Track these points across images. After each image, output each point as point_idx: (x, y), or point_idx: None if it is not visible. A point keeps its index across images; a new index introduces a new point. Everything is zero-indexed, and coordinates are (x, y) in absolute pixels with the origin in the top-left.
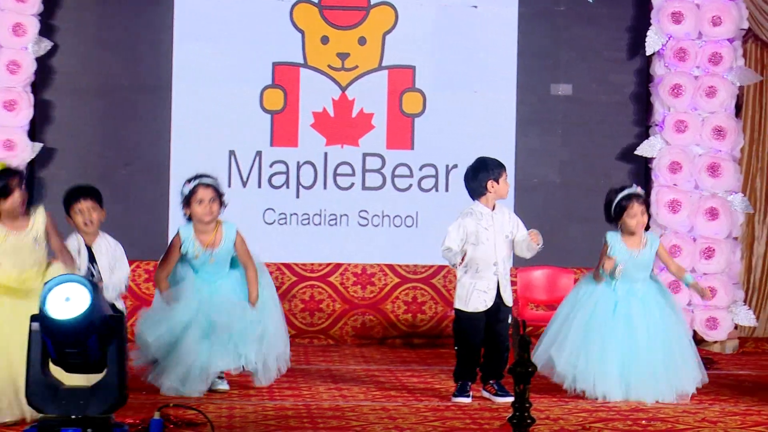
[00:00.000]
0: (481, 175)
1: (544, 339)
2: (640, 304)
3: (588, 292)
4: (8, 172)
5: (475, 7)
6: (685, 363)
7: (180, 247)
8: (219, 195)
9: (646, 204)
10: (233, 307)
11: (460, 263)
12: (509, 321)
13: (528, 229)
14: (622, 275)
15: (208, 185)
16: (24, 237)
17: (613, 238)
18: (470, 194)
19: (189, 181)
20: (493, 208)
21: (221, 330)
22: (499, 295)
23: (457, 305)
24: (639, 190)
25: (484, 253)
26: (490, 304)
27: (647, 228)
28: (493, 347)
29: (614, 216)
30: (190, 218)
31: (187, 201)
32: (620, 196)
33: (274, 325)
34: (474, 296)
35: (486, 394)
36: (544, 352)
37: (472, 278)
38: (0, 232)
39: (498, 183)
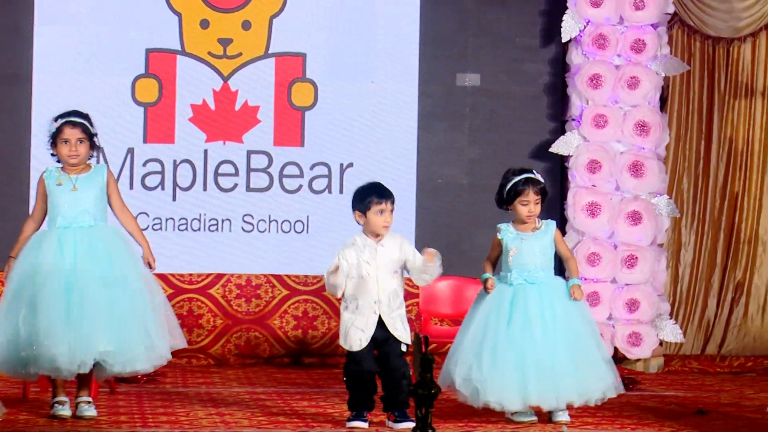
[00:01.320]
0: (353, 204)
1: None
2: (537, 293)
3: (482, 293)
4: None
5: None
6: (591, 363)
7: (45, 190)
8: (89, 136)
9: (542, 194)
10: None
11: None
12: (404, 350)
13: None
14: (516, 262)
15: (75, 124)
16: None
17: (504, 228)
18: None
19: (56, 119)
20: (379, 240)
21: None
22: (387, 331)
23: (340, 340)
24: (538, 176)
25: (364, 289)
26: (365, 343)
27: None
28: (388, 379)
29: (506, 199)
30: (59, 161)
31: (54, 141)
32: (516, 179)
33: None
34: (351, 333)
35: (388, 423)
36: (444, 370)
37: (351, 314)
38: None
39: (366, 216)
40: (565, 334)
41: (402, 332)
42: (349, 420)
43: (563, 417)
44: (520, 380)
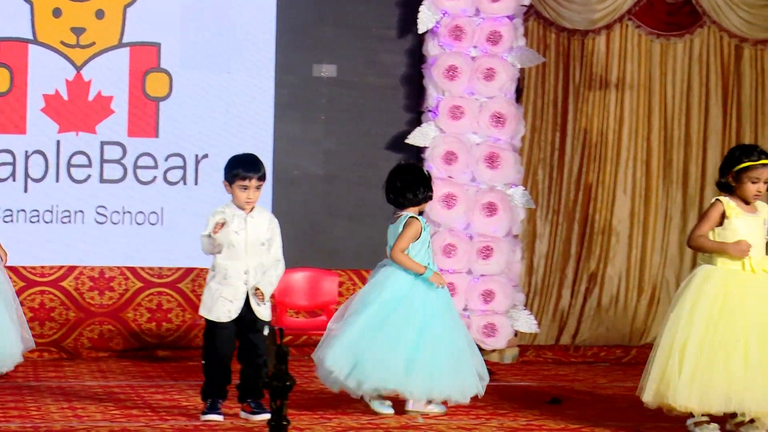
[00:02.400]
0: (224, 172)
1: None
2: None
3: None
4: None
5: None
6: (467, 360)
7: None
8: None
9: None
10: None
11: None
12: (266, 332)
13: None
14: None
15: None
16: None
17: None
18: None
19: None
20: (250, 211)
21: None
22: (252, 312)
23: (202, 312)
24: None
25: (233, 258)
26: (234, 315)
27: None
28: (249, 363)
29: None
30: None
31: None
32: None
33: None
34: (219, 304)
35: (243, 414)
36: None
37: (219, 284)
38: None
39: (231, 186)
40: (445, 332)
41: (265, 311)
42: (204, 413)
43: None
44: (402, 365)
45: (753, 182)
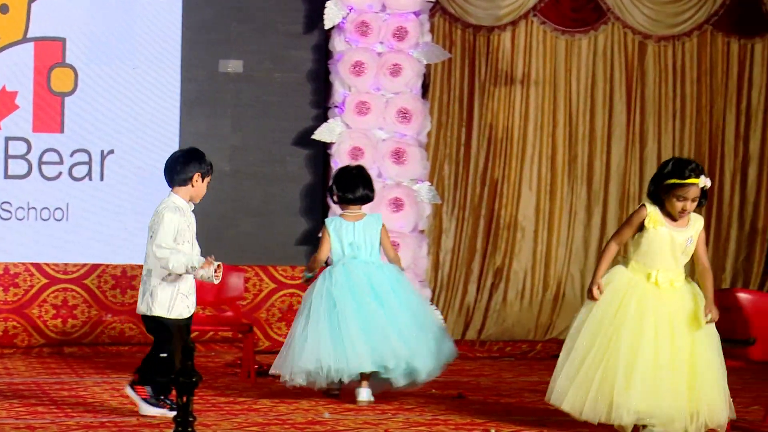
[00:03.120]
0: (192, 164)
1: None
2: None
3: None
4: None
5: None
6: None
7: None
8: None
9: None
10: None
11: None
12: None
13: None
14: (352, 254)
15: None
16: None
17: (332, 221)
18: (169, 181)
19: None
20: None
21: None
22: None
23: (159, 312)
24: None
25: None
26: (192, 309)
27: None
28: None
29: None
30: None
31: None
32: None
33: None
34: (179, 301)
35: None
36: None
37: (174, 282)
38: None
39: (202, 181)
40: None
41: None
42: (155, 405)
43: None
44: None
45: (678, 200)
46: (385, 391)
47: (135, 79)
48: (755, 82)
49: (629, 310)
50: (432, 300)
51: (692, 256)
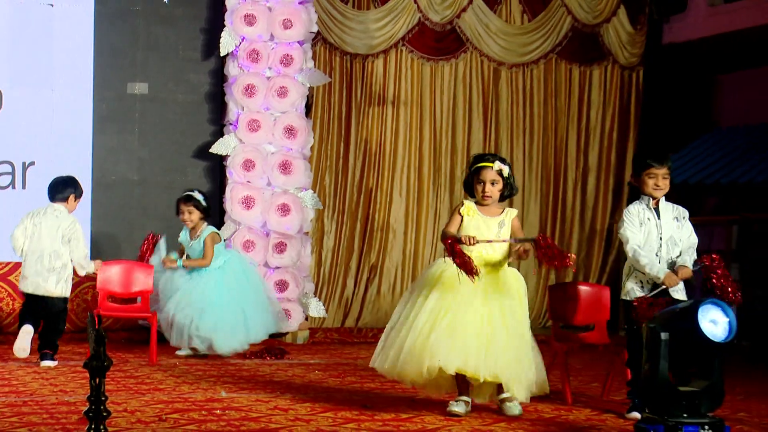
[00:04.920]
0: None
1: None
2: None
3: None
4: None
5: (51, 5)
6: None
7: None
8: None
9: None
10: None
11: None
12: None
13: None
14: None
15: None
16: None
17: (183, 237)
18: (52, 197)
19: None
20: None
21: None
22: None
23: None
24: (192, 192)
25: None
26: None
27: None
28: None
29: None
30: None
31: None
32: None
33: None
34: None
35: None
36: None
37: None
38: None
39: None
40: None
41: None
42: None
43: None
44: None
45: (478, 183)
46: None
47: (53, 99)
48: (593, 103)
49: (437, 287)
50: (315, 293)
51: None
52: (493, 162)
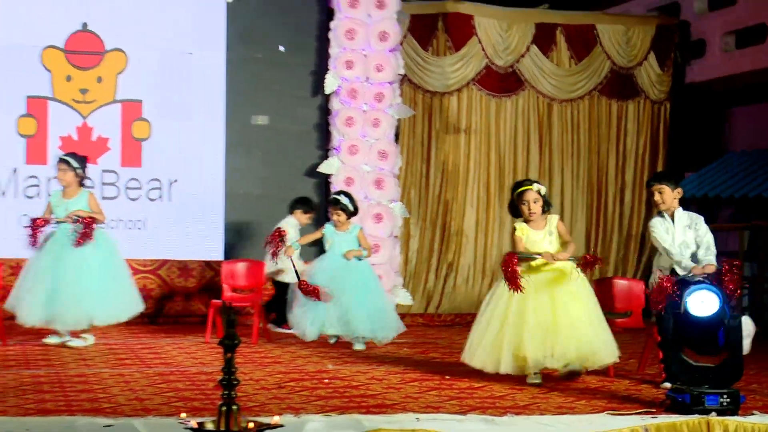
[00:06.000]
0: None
1: None
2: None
3: None
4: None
5: (191, 53)
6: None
7: None
8: None
9: (341, 208)
10: None
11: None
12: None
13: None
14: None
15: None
16: None
17: (328, 230)
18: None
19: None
20: None
21: None
22: None
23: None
24: (339, 197)
25: None
26: None
27: None
28: None
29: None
30: None
31: None
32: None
33: None
34: None
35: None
36: None
37: None
38: None
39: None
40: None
41: None
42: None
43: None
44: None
45: (522, 204)
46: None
47: (193, 129)
48: (629, 132)
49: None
50: (404, 285)
51: (564, 239)
52: (531, 185)
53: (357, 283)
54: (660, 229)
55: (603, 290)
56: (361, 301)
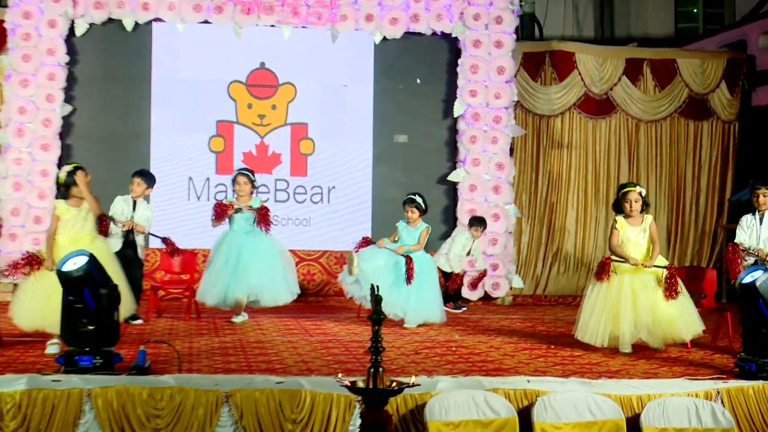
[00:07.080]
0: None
1: None
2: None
3: None
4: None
5: (346, 86)
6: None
7: None
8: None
9: (416, 206)
10: None
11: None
12: None
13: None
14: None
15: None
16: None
17: (400, 225)
18: None
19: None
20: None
21: None
22: None
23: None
24: (414, 197)
25: None
26: None
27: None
28: None
29: (425, 209)
30: None
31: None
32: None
33: None
34: None
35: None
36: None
37: None
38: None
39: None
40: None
41: None
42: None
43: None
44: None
45: (625, 202)
46: None
47: (347, 147)
48: (704, 147)
49: (615, 278)
50: (516, 272)
51: (652, 238)
52: (635, 187)
53: (416, 275)
54: (743, 227)
55: (683, 277)
56: (411, 290)
